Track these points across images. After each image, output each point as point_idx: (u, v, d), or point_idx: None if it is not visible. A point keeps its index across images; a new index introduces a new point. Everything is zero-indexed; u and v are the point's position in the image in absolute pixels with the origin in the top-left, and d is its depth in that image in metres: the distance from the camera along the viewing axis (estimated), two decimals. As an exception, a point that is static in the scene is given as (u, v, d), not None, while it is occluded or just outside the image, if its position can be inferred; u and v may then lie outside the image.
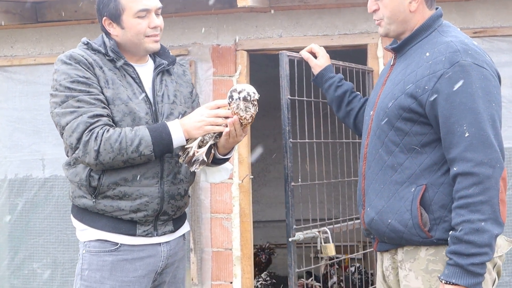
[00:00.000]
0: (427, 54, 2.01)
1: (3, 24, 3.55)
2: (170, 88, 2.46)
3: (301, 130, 2.91)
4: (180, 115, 2.43)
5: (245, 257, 3.59)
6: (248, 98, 2.20)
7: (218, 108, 2.27)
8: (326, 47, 2.96)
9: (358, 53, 3.59)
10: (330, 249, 2.82)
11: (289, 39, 3.54)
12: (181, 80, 2.55)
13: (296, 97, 2.83)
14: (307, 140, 2.96)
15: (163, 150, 2.26)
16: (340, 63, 2.91)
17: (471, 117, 1.87)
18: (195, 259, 3.57)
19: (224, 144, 2.34)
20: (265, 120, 5.60)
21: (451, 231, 1.88)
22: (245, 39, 3.62)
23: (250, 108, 2.22)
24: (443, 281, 1.88)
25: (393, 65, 2.16)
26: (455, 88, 1.89)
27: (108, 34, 2.37)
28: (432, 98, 1.93)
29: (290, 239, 2.71)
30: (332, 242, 2.84)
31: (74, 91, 2.21)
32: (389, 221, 2.04)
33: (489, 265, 1.96)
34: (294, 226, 2.74)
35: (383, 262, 2.19)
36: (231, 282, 3.58)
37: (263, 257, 5.29)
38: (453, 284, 1.84)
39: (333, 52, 2.96)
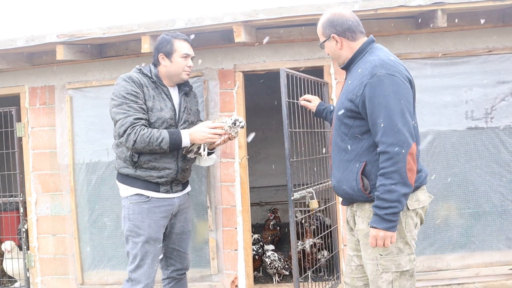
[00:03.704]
0: (359, 70, 2.17)
1: (79, 59, 3.83)
2: (188, 105, 2.87)
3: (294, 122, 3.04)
4: (192, 122, 2.82)
5: (245, 211, 3.87)
6: (244, 126, 2.72)
7: (215, 128, 2.69)
8: (295, 68, 3.53)
9: (318, 72, 3.81)
10: (314, 204, 2.99)
11: (270, 63, 3.83)
12: (193, 101, 2.98)
13: (292, 100, 3.02)
14: (299, 129, 3.14)
15: (175, 148, 2.65)
16: (309, 76, 3.30)
17: (385, 112, 2.00)
18: (211, 213, 3.85)
19: (213, 146, 2.82)
20: (256, 119, 5.98)
21: (375, 192, 2.07)
22: (240, 64, 3.87)
23: (238, 131, 2.73)
24: (370, 226, 2.08)
25: (345, 79, 2.34)
26: (374, 93, 2.04)
27: (156, 65, 2.76)
28: (362, 101, 2.10)
29: (292, 198, 2.89)
30: (316, 199, 3.02)
31: (127, 100, 2.58)
32: (343, 187, 2.24)
33: (412, 214, 2.17)
34: (293, 189, 2.91)
35: (347, 212, 2.42)
36: (236, 228, 3.89)
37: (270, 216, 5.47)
38: (375, 228, 2.05)
39: (301, 71, 3.38)
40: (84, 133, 4.05)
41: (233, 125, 2.65)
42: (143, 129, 2.54)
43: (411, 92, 2.11)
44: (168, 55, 2.72)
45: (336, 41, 2.26)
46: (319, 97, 3.28)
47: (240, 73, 3.88)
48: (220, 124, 2.69)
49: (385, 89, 2.00)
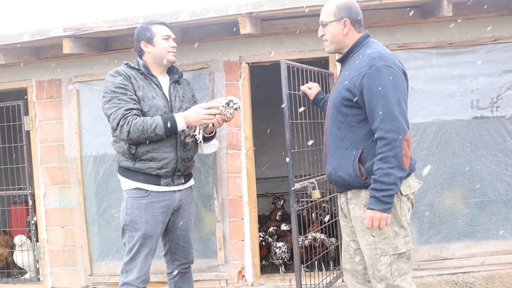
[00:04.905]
0: (357, 62, 2.25)
1: (86, 52, 3.83)
2: (180, 92, 2.86)
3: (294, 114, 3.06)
4: (186, 109, 2.79)
5: (251, 202, 3.91)
6: (238, 108, 2.69)
7: (209, 108, 2.66)
8: (300, 59, 3.55)
9: (324, 63, 3.83)
10: (317, 194, 3.06)
11: (276, 54, 3.82)
12: (186, 88, 2.96)
13: (294, 91, 3.06)
14: (300, 121, 3.18)
15: (171, 132, 2.62)
16: (311, 67, 3.28)
17: (383, 101, 2.09)
18: (218, 204, 3.89)
19: (210, 129, 2.79)
20: (260, 110, 5.79)
21: (372, 176, 2.15)
22: (246, 55, 3.87)
23: (232, 113, 2.69)
24: (366, 208, 2.16)
25: (341, 71, 2.46)
26: (372, 82, 2.12)
27: (141, 56, 2.77)
28: (360, 90, 2.17)
29: (292, 188, 2.94)
30: (318, 189, 3.09)
31: (116, 93, 2.58)
32: (340, 173, 2.32)
33: (405, 198, 2.26)
34: (294, 180, 2.98)
35: (340, 199, 2.51)
36: (242, 219, 3.92)
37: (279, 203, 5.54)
38: (372, 209, 2.13)
39: (307, 62, 3.40)
40: (91, 126, 4.10)
41: (226, 105, 2.63)
42: (135, 118, 2.56)
43: (406, 83, 2.19)
44: (149, 40, 2.76)
45: (345, 26, 2.33)
46: (323, 87, 3.27)
47: (246, 65, 3.90)
48: (214, 104, 2.68)
49: (383, 79, 2.08)
